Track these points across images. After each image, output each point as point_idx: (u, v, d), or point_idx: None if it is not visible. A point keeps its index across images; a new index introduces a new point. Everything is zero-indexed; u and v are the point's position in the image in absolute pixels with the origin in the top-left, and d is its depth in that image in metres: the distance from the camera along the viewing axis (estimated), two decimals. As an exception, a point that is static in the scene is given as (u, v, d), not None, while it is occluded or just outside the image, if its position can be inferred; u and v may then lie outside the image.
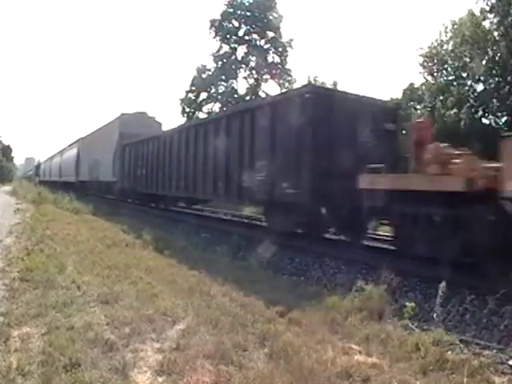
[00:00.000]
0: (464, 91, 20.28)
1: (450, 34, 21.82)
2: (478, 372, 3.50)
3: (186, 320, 4.46)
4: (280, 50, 32.11)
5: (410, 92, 23.52)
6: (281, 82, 32.40)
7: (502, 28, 18.61)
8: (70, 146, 38.29)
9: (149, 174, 17.06)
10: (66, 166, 36.72)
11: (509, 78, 18.80)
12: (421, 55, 22.45)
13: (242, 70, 32.71)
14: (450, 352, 3.89)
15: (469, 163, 6.17)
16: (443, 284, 5.07)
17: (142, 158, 17.96)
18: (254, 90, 32.34)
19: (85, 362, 3.38)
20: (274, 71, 32.16)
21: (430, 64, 22.31)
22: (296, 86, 30.85)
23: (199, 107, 33.07)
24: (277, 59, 32.39)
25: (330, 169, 8.00)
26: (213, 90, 32.60)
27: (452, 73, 21.54)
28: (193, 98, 33.08)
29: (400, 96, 23.44)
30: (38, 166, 67.49)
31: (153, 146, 16.82)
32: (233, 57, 32.23)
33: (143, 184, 17.77)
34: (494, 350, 4.12)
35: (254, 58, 32.32)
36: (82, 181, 30.05)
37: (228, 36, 32.06)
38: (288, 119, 8.86)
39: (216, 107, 32.63)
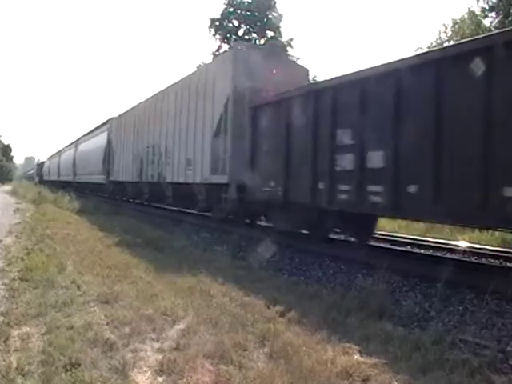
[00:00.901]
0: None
1: (450, 33, 21.81)
2: (478, 372, 3.49)
3: (186, 320, 4.45)
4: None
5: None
6: (281, 81, 32.35)
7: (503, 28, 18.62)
8: (88, 133, 28.56)
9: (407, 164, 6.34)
10: (85, 162, 26.94)
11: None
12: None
13: (241, 69, 32.65)
14: (449, 352, 3.88)
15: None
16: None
17: (351, 124, 7.31)
18: (253, 89, 32.31)
19: (85, 361, 3.37)
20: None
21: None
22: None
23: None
24: (277, 59, 32.35)
25: None
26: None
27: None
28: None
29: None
30: (40, 164, 61.99)
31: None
32: (233, 56, 32.16)
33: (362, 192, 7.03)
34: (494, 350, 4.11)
35: (253, 58, 32.27)
36: (119, 182, 20.61)
37: (228, 35, 32.03)
38: None
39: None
